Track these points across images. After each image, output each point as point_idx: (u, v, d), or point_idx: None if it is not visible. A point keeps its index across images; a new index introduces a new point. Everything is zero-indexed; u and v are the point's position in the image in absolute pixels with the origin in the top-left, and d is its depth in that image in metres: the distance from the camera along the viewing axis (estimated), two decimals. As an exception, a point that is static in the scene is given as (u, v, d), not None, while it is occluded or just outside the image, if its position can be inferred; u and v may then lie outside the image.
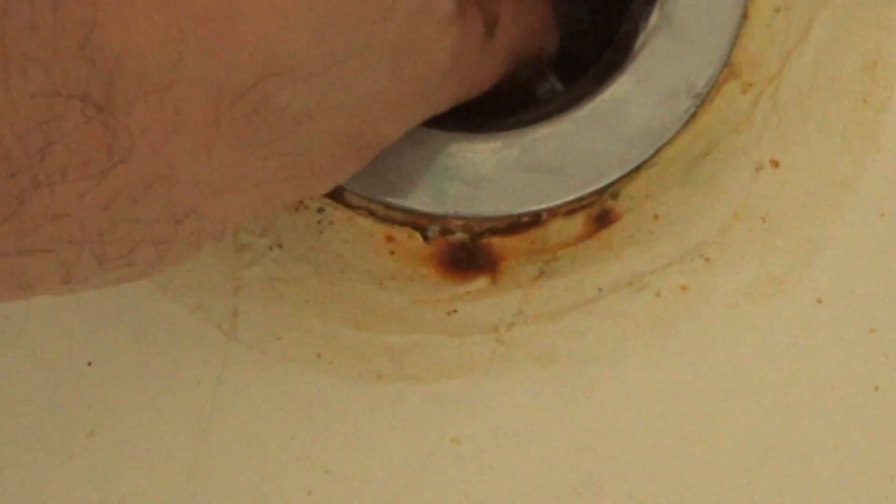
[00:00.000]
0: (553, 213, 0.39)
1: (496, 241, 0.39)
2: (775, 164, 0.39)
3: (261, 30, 0.26)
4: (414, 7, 0.29)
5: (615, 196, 0.39)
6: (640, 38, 0.39)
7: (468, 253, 0.39)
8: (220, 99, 0.26)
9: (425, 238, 0.39)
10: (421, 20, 0.30)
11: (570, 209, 0.39)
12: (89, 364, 0.38)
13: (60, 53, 0.24)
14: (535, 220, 0.39)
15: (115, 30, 0.24)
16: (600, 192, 0.39)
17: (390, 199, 0.38)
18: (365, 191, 0.38)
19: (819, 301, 0.39)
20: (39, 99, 0.23)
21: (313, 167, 0.30)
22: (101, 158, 0.25)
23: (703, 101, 0.39)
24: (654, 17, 0.39)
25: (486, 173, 0.38)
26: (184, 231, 0.28)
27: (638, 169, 0.39)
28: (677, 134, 0.39)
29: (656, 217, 0.39)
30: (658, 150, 0.39)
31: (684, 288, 0.39)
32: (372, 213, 0.39)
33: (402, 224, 0.39)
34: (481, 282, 0.39)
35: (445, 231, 0.39)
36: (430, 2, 0.30)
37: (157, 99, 0.25)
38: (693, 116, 0.39)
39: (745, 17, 0.39)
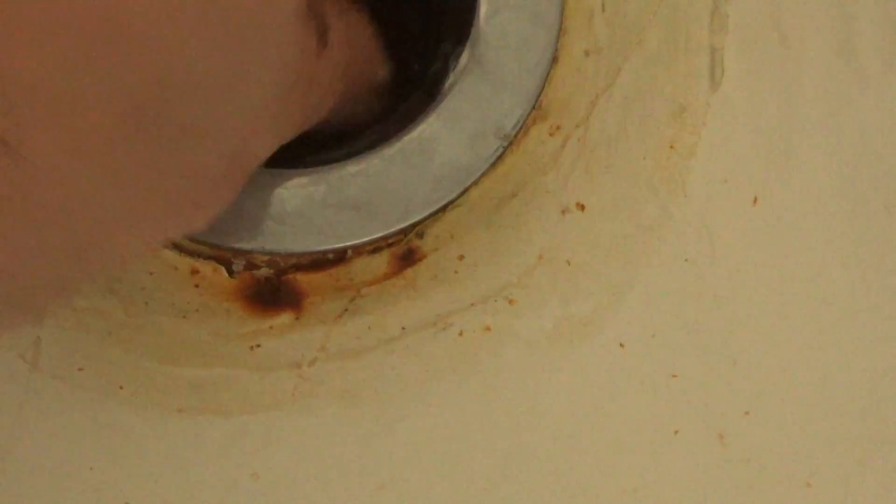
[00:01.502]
0: (358, 250, 0.39)
1: (301, 277, 0.39)
2: (581, 207, 0.39)
3: (154, 46, 0.26)
4: (288, 12, 0.29)
5: (421, 235, 0.39)
6: (450, 78, 0.39)
7: (273, 288, 0.39)
8: (118, 118, 0.26)
9: (230, 272, 0.39)
10: (289, 28, 0.30)
11: (376, 247, 0.39)
12: None
13: None
14: (340, 257, 0.39)
15: (16, 59, 0.24)
16: (406, 231, 0.39)
17: (195, 233, 0.38)
18: (171, 224, 0.38)
19: (621, 345, 0.39)
20: None
21: (199, 192, 0.30)
22: (3, 191, 0.24)
23: (510, 142, 0.39)
24: (465, 58, 0.39)
25: (293, 209, 0.39)
26: (83, 268, 0.27)
27: (444, 209, 0.39)
28: (484, 175, 0.39)
29: (461, 257, 0.39)
30: (465, 191, 0.39)
31: (488, 328, 0.39)
32: (177, 246, 0.39)
33: (208, 258, 0.39)
34: (285, 317, 0.39)
35: (251, 266, 0.39)
36: (298, 7, 0.30)
37: (58, 122, 0.24)
38: (500, 158, 0.39)
39: (555, 60, 0.39)
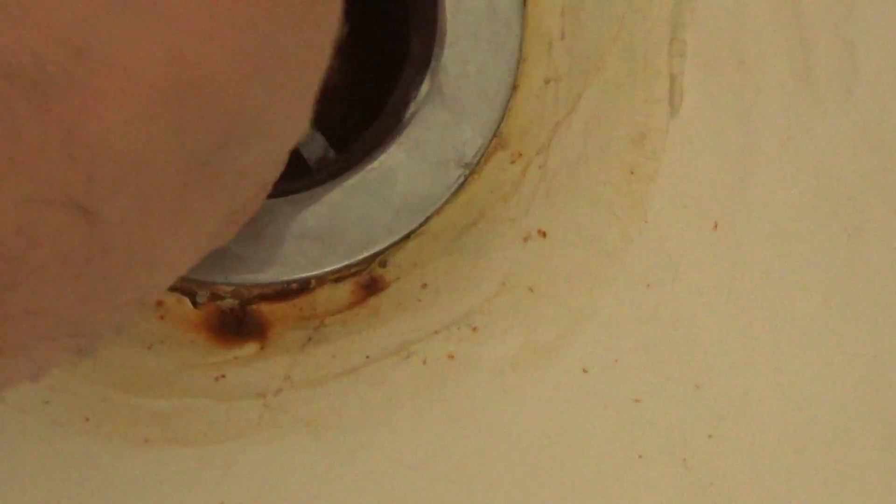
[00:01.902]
0: (322, 280, 0.39)
1: (265, 308, 0.39)
2: (543, 234, 0.39)
3: (222, 98, 0.26)
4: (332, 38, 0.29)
5: (384, 264, 0.39)
6: (412, 108, 0.39)
7: (237, 319, 0.39)
8: (184, 171, 0.26)
9: (195, 303, 0.39)
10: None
11: (339, 276, 0.39)
12: None
13: (45, 156, 0.23)
14: (304, 286, 0.39)
15: (94, 124, 0.23)
16: (369, 260, 0.39)
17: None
18: (135, 256, 0.38)
19: (585, 370, 0.39)
20: (23, 206, 0.23)
21: (236, 216, 0.30)
22: (80, 254, 0.24)
23: (472, 170, 0.39)
24: (426, 87, 0.39)
25: (256, 239, 0.39)
26: (144, 305, 0.27)
27: (407, 237, 0.39)
28: (446, 203, 0.39)
29: (424, 286, 0.39)
30: (427, 219, 0.39)
31: (451, 356, 0.39)
32: (142, 278, 0.39)
33: (172, 289, 0.39)
34: (250, 347, 0.39)
35: (215, 296, 0.39)
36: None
37: (133, 184, 0.24)
38: (462, 186, 0.39)
39: (515, 87, 0.39)
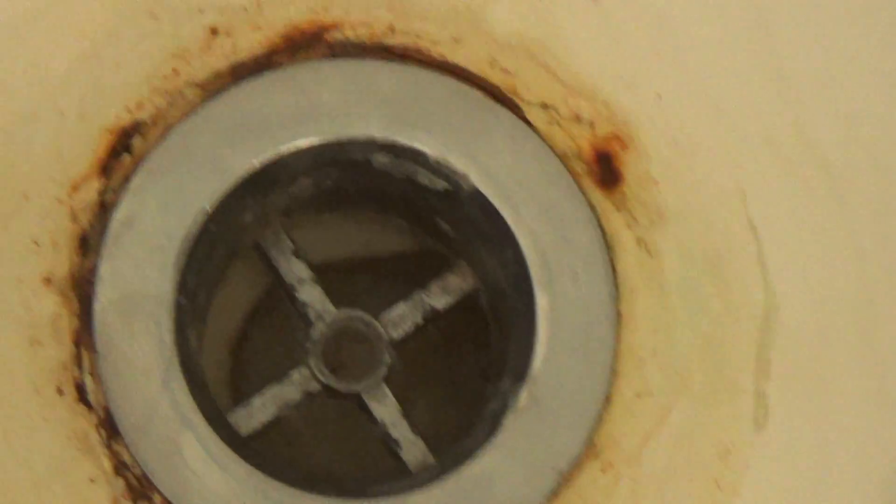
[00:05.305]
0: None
1: None
2: (632, 542, 0.41)
3: None
4: None
5: (479, 567, 0.41)
6: (508, 416, 0.42)
7: None
8: None
9: None
10: None
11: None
12: None
13: None
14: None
15: None
16: (461, 566, 0.41)
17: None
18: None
19: None
20: None
21: None
22: None
23: (565, 478, 0.41)
24: (523, 397, 0.42)
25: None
26: None
27: (501, 542, 0.41)
28: (540, 509, 0.41)
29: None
30: (522, 525, 0.41)
31: None
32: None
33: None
34: None
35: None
36: None
37: None
38: (555, 493, 0.41)
39: (608, 400, 0.42)
